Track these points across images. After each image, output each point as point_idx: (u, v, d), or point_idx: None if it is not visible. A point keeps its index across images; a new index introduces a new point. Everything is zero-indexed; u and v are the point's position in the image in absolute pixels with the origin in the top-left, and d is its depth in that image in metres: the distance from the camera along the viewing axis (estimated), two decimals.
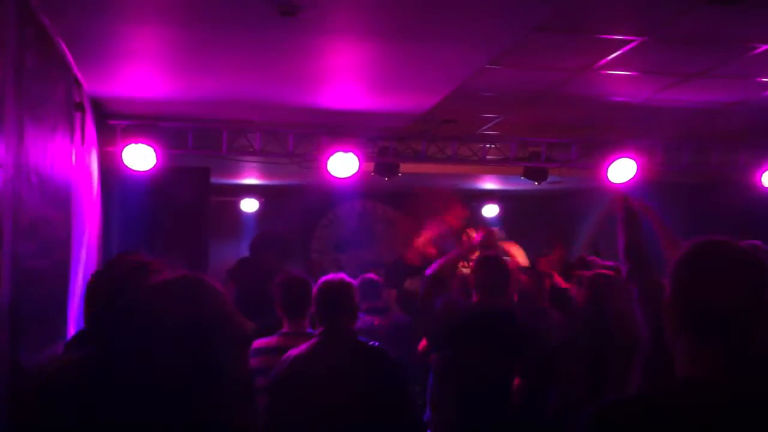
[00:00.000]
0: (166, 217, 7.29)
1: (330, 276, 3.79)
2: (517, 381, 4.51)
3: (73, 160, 4.60)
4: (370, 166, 7.27)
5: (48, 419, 2.30)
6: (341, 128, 6.86)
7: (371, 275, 5.56)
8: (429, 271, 4.77)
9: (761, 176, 7.61)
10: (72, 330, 4.28)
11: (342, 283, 3.70)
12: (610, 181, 7.37)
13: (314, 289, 3.74)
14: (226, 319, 1.92)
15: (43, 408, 2.34)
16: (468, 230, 5.87)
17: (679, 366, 1.60)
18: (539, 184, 7.67)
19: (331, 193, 9.56)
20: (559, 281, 6.08)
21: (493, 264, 4.66)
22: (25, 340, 3.09)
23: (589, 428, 1.56)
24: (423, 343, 5.33)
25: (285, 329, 4.10)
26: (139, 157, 6.37)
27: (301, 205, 10.22)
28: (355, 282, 3.86)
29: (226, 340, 1.89)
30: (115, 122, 6.45)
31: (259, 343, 4.07)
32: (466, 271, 5.21)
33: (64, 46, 4.36)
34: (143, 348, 1.86)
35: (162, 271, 2.59)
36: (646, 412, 1.55)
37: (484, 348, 4.40)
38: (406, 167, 7.38)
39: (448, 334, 4.55)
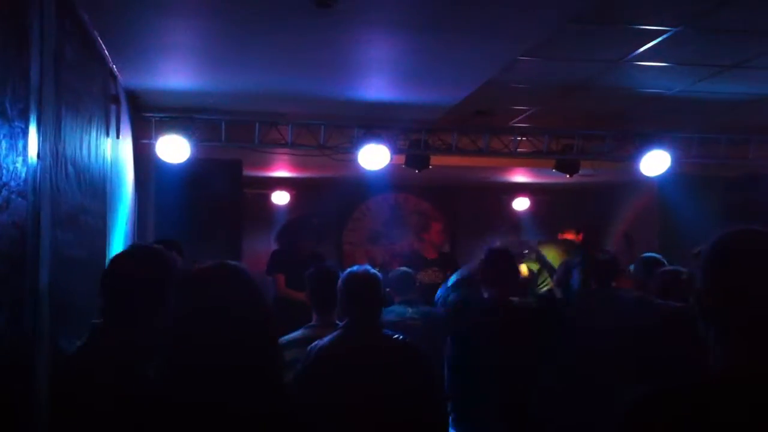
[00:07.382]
0: (199, 209, 7.38)
1: (355, 268, 3.76)
2: None
3: (108, 152, 4.66)
4: (402, 158, 7.28)
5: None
6: (373, 120, 6.87)
7: (404, 268, 5.58)
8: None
9: None
10: None
11: (367, 275, 3.63)
12: (643, 174, 7.30)
13: (339, 281, 3.72)
14: (257, 303, 2.17)
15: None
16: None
17: (712, 357, 1.59)
18: (571, 176, 7.61)
19: (363, 186, 9.57)
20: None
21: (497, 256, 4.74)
22: (64, 328, 3.14)
23: (629, 419, 1.55)
24: None
25: (313, 321, 4.11)
26: (174, 149, 6.46)
27: (332, 198, 10.24)
28: (380, 274, 3.83)
29: (257, 322, 2.13)
30: (150, 114, 6.53)
31: (287, 337, 4.05)
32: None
33: (100, 40, 4.42)
34: (184, 327, 2.10)
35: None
36: (683, 403, 1.53)
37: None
38: (437, 159, 7.38)
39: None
